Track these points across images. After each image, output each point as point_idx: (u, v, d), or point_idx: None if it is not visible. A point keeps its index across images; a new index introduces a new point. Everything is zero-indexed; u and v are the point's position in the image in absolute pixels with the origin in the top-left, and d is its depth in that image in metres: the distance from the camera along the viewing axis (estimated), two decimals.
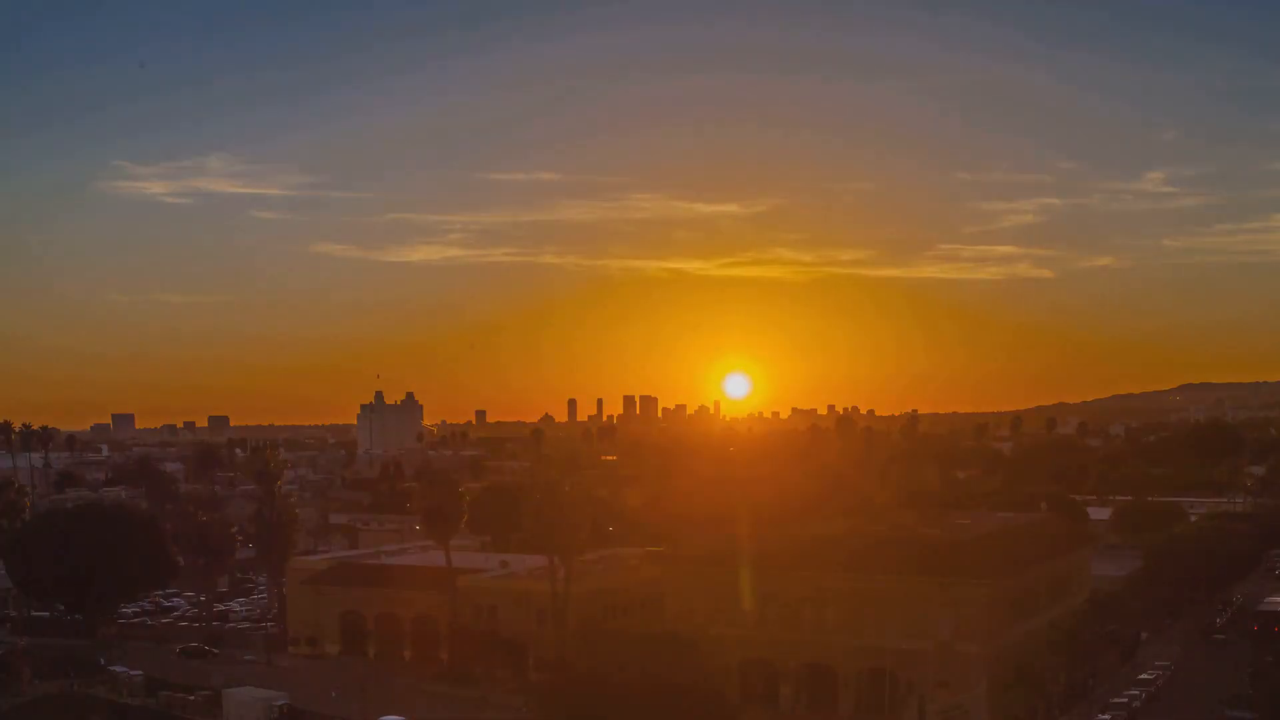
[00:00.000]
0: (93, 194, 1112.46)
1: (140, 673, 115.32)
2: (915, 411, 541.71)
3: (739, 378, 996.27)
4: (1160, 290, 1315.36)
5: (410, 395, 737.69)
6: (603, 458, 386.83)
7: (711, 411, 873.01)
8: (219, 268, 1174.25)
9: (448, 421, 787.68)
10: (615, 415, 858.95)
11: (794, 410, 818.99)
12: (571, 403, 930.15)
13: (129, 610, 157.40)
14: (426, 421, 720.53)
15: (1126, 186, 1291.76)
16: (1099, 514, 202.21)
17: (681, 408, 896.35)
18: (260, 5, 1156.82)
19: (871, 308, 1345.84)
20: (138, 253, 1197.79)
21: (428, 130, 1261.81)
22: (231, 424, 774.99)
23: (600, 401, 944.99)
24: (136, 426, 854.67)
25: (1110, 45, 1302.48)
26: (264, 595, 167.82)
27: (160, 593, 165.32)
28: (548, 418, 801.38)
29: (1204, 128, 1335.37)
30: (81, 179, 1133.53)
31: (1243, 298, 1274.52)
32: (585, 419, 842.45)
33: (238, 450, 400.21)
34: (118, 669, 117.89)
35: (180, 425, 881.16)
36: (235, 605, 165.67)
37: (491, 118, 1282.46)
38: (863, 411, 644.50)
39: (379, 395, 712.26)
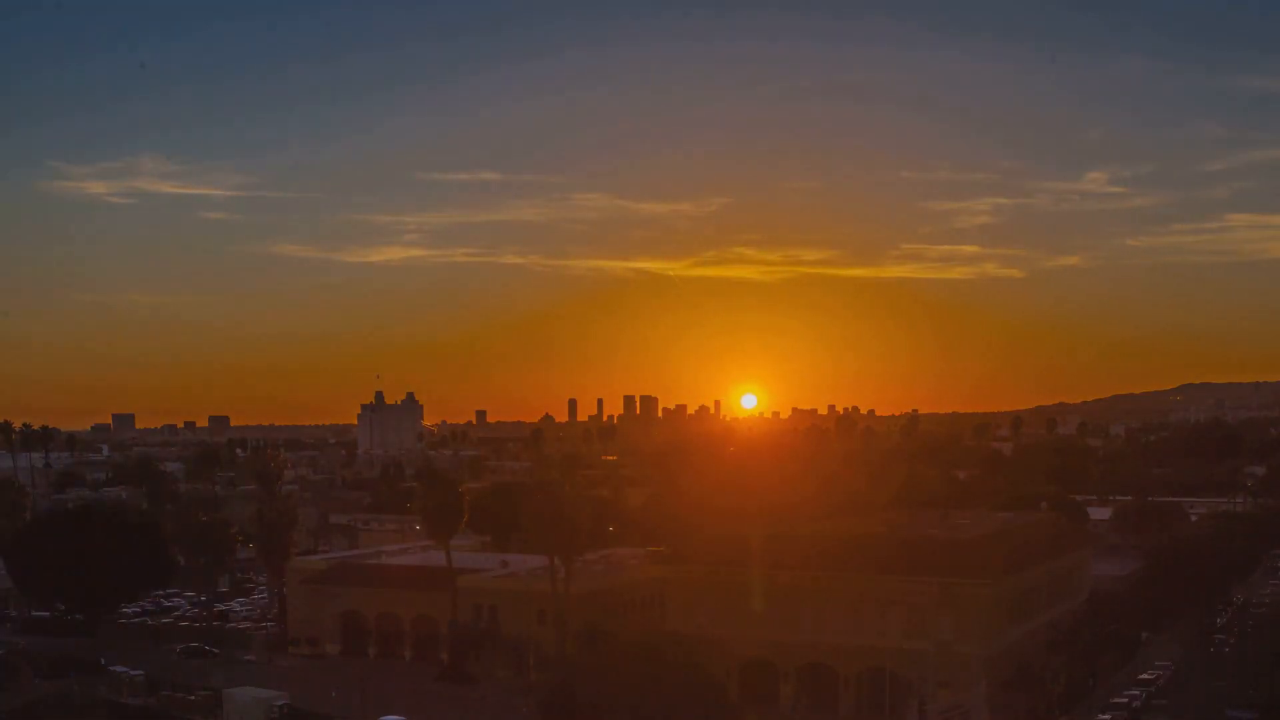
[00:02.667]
0: (36, 193, 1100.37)
1: (140, 673, 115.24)
2: (915, 411, 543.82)
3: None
4: (1133, 290, 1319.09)
5: (410, 395, 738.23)
6: (603, 458, 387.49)
7: (712, 412, 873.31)
8: (182, 268, 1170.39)
9: (448, 421, 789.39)
10: (615, 415, 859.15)
11: (794, 410, 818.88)
12: (572, 403, 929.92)
13: (129, 610, 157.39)
14: (426, 421, 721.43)
15: (1071, 186, 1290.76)
16: (1099, 514, 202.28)
17: (682, 408, 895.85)
18: (187, 5, 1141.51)
19: (850, 308, 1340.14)
20: (96, 253, 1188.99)
21: (359, 130, 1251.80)
22: (232, 424, 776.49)
23: (600, 401, 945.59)
24: (136, 426, 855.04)
25: (1030, 44, 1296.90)
26: (264, 595, 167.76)
27: (160, 593, 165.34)
28: (548, 418, 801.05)
29: (1129, 128, 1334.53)
30: (21, 178, 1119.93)
31: (1223, 297, 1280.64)
32: (585, 419, 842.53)
33: (238, 450, 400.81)
34: (118, 669, 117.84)
35: (180, 425, 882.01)
36: (235, 605, 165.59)
37: (427, 117, 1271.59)
38: (863, 411, 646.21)
39: (379, 395, 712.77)
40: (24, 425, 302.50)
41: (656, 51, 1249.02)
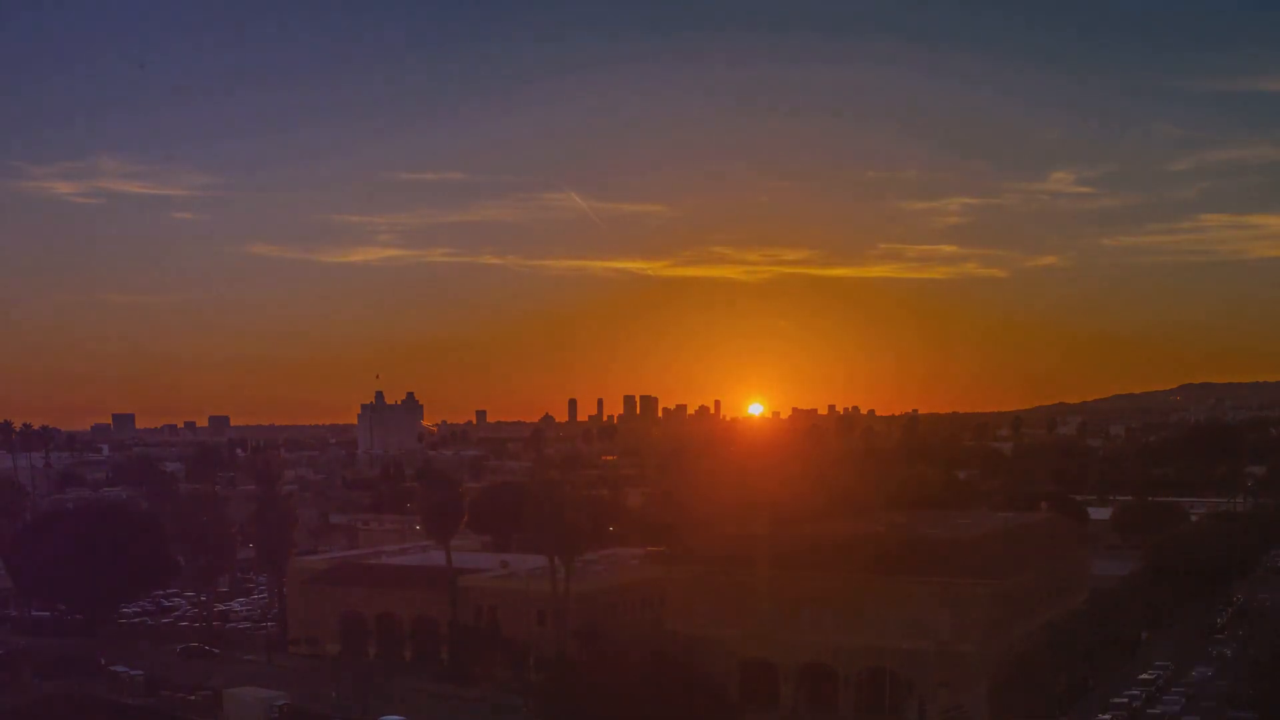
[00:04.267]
0: (4, 194, 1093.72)
1: (140, 673, 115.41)
2: (915, 412, 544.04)
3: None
4: (1118, 290, 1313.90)
5: (410, 395, 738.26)
6: (603, 458, 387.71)
7: (712, 412, 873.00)
8: (158, 268, 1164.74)
9: (448, 421, 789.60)
10: (615, 415, 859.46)
11: (794, 410, 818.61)
12: (572, 403, 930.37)
13: (129, 610, 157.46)
14: (426, 421, 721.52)
15: (1038, 187, 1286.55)
16: (1099, 514, 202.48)
17: (682, 408, 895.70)
18: (150, 5, 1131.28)
19: (838, 307, 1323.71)
20: (71, 252, 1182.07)
21: (324, 131, 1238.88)
22: (232, 424, 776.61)
23: (600, 401, 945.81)
24: (137, 426, 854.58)
25: (984, 46, 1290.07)
26: (264, 595, 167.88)
27: (160, 593, 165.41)
28: (548, 418, 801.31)
29: (1086, 129, 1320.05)
30: None
31: (1210, 298, 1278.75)
32: (585, 419, 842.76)
33: (238, 450, 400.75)
34: (118, 669, 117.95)
35: (180, 425, 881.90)
36: (235, 605, 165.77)
37: (394, 117, 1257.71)
38: (863, 412, 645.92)
39: (379, 395, 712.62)
40: (24, 425, 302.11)
41: (627, 53, 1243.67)
